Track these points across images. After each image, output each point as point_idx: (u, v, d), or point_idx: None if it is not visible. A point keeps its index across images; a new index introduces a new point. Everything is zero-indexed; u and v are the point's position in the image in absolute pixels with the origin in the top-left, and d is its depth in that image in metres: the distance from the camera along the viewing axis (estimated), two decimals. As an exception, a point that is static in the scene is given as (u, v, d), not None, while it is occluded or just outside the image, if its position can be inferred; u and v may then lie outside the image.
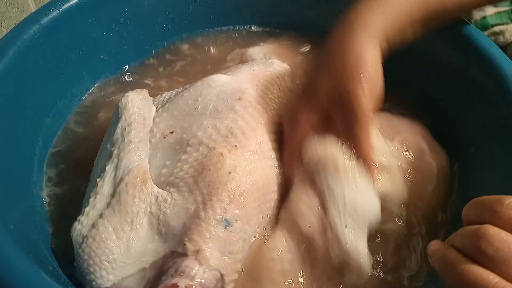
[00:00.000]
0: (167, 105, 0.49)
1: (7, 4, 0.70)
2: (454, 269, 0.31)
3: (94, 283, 0.38)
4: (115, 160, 0.43)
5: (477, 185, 0.49)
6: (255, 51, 0.61)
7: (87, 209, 0.41)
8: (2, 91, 0.46)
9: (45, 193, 0.50)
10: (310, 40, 0.65)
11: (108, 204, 0.41)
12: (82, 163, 0.51)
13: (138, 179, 0.42)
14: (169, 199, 0.41)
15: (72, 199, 0.49)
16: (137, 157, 0.43)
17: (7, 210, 0.41)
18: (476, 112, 0.51)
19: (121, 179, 0.42)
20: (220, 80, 0.50)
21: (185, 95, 0.49)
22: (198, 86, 0.50)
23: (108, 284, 0.39)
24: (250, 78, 0.51)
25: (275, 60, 0.57)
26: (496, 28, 0.73)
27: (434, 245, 0.34)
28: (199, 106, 0.47)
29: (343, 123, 0.43)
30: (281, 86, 0.53)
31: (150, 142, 0.46)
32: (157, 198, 0.41)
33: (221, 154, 0.42)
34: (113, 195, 0.41)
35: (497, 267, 0.29)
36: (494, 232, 0.30)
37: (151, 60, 0.64)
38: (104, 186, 0.42)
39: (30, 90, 0.50)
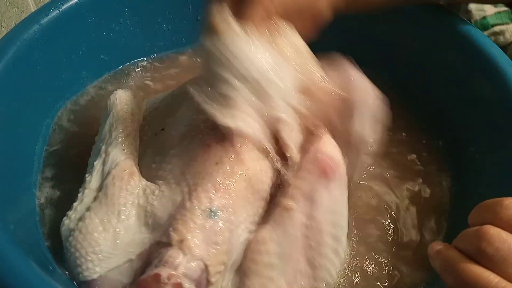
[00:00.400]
0: (158, 104, 0.49)
1: (7, 4, 0.70)
2: (454, 269, 0.31)
3: (81, 275, 0.38)
4: (103, 155, 0.44)
5: (477, 185, 0.49)
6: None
7: (75, 204, 0.42)
8: (1, 91, 0.46)
9: (44, 193, 0.50)
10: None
11: (96, 198, 0.41)
12: (81, 163, 0.50)
13: (125, 171, 0.42)
14: (156, 191, 0.41)
15: (71, 199, 0.49)
16: (125, 151, 0.44)
17: (7, 210, 0.41)
18: (476, 112, 0.51)
19: (108, 173, 0.42)
20: None
21: (175, 94, 0.49)
22: (188, 83, 0.50)
23: (95, 276, 0.38)
24: None
25: None
26: (496, 28, 0.73)
27: (435, 245, 0.33)
28: (189, 102, 0.47)
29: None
30: None
31: (143, 140, 0.46)
32: (145, 190, 0.41)
33: (208, 145, 0.42)
34: (100, 188, 0.42)
35: (497, 267, 0.29)
36: (494, 232, 0.30)
37: (151, 61, 0.64)
38: (92, 180, 0.42)
39: (29, 90, 0.50)
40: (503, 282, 0.29)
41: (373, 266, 0.45)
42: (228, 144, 0.43)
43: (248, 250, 0.40)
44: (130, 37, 0.62)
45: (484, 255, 0.30)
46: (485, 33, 0.71)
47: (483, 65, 0.49)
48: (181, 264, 0.37)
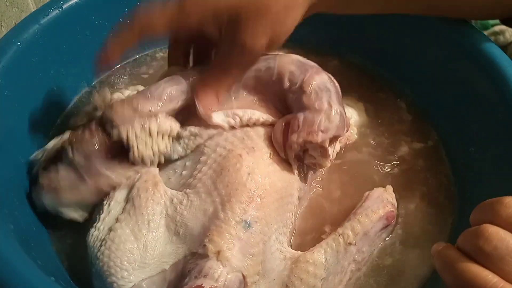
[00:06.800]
0: None
1: (7, 3, 0.69)
2: (453, 268, 0.31)
3: (115, 284, 0.38)
4: None
5: (477, 185, 0.49)
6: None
7: (102, 215, 0.42)
8: (1, 91, 0.46)
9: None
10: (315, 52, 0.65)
11: (123, 209, 0.42)
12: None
13: (148, 182, 0.42)
14: (184, 201, 0.42)
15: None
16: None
17: (7, 209, 0.41)
18: (476, 112, 0.51)
19: (133, 185, 0.43)
20: None
21: None
22: None
23: (130, 285, 0.39)
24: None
25: None
26: (496, 28, 0.73)
27: (437, 245, 0.33)
28: None
29: None
30: None
31: None
32: (172, 200, 0.42)
33: (240, 155, 0.43)
34: (126, 201, 0.42)
35: (495, 265, 0.29)
36: (492, 230, 0.30)
37: (152, 60, 0.64)
38: (117, 193, 0.43)
39: (29, 90, 0.50)
40: (501, 282, 0.29)
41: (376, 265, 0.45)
42: (258, 155, 0.44)
43: (296, 266, 0.41)
44: (130, 36, 0.62)
45: (483, 253, 0.30)
46: (485, 33, 0.71)
47: (483, 65, 0.49)
48: (222, 275, 0.37)
